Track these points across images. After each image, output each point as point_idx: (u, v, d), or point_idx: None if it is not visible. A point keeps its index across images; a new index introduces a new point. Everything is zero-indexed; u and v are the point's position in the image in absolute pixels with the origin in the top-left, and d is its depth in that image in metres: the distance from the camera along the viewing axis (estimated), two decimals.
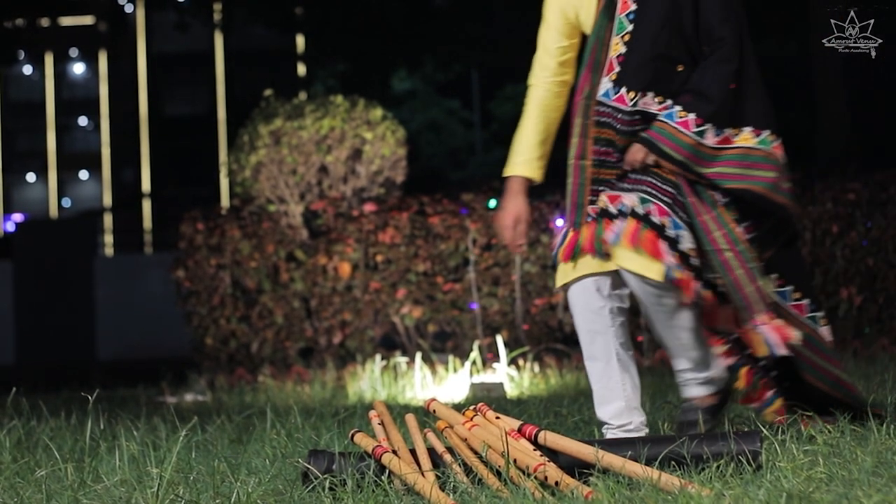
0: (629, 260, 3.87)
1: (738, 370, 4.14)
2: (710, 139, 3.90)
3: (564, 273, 4.07)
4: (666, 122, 3.90)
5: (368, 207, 9.10)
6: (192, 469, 3.79)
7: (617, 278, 4.00)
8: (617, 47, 3.98)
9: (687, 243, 3.85)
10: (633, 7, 3.98)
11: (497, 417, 3.63)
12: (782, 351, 3.96)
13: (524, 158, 4.19)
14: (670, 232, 3.83)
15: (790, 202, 4.03)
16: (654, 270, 3.83)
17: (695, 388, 4.12)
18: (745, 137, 3.94)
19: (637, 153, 3.93)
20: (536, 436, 3.50)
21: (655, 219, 3.84)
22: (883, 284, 9.01)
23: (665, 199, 3.88)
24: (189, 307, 9.35)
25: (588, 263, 4.00)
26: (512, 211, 4.16)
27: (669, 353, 4.11)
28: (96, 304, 17.69)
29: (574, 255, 4.02)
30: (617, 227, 3.88)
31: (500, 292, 9.04)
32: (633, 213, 3.87)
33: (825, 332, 4.10)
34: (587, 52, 4.07)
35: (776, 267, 4.03)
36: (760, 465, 3.39)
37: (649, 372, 8.23)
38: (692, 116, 3.88)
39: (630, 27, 3.98)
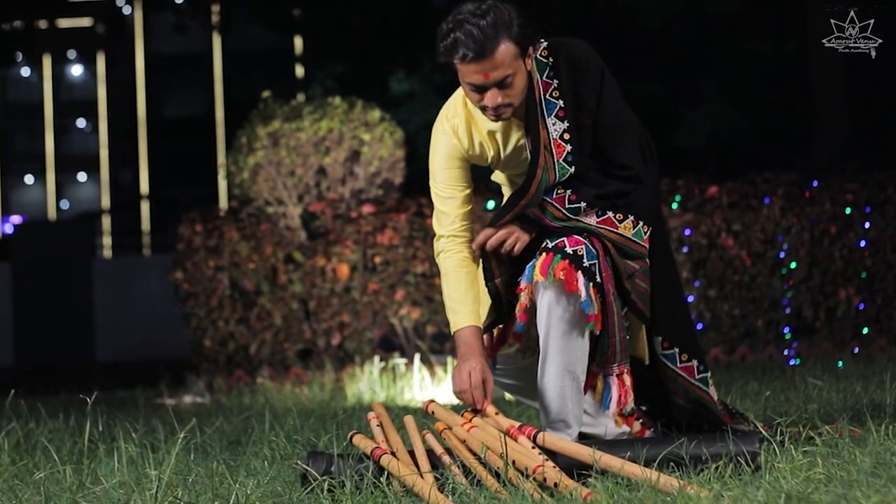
0: (545, 288, 3.78)
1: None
2: (590, 219, 3.83)
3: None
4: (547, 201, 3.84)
5: (367, 209, 9.10)
6: (191, 471, 3.79)
7: None
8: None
9: (600, 273, 3.78)
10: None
11: (497, 413, 3.63)
12: (612, 410, 3.88)
13: (466, 310, 3.92)
14: (586, 262, 3.75)
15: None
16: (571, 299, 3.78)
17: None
18: (626, 227, 3.85)
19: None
20: (535, 437, 3.50)
21: (569, 249, 3.76)
22: (881, 285, 9.01)
23: (576, 234, 3.83)
24: (187, 309, 9.34)
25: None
26: (477, 369, 3.78)
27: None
28: (95, 306, 17.69)
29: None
30: (529, 264, 3.83)
31: None
32: (545, 248, 3.80)
33: (713, 392, 4.00)
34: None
35: (661, 330, 3.94)
36: (759, 466, 3.39)
37: None
38: (568, 193, 3.84)
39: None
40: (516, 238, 3.86)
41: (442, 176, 4.02)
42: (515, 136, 3.92)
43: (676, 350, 3.94)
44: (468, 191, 4.03)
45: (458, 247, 3.97)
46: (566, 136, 3.84)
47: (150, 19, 42.35)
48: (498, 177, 4.14)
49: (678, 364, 3.94)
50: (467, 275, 3.95)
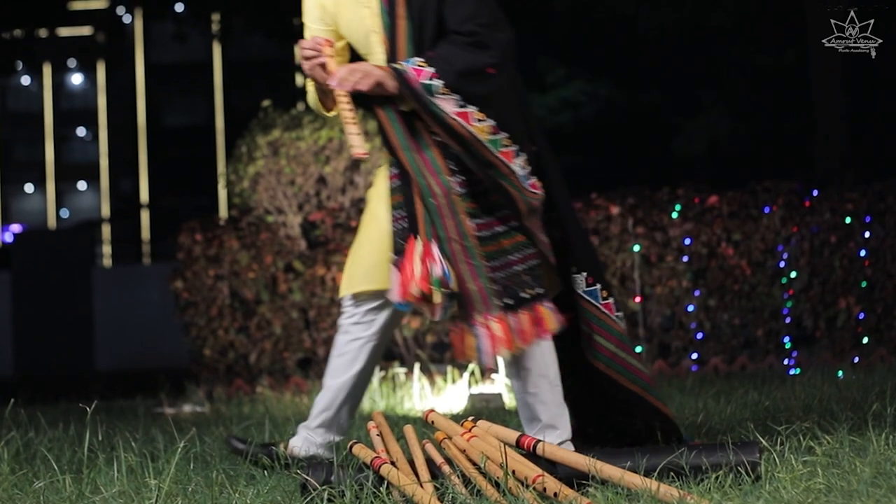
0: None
1: None
2: (448, 105, 3.82)
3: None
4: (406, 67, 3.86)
5: None
6: (191, 480, 3.79)
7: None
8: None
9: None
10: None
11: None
12: (488, 361, 3.87)
13: None
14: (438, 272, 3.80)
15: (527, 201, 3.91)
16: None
17: None
18: (482, 128, 3.82)
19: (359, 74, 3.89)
20: (535, 447, 3.50)
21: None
22: (881, 295, 9.01)
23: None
24: (187, 318, 9.34)
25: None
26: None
27: None
28: (94, 315, 17.67)
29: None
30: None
31: None
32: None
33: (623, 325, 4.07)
34: None
35: (584, 265, 3.99)
36: (759, 476, 3.39)
37: None
38: (430, 70, 3.83)
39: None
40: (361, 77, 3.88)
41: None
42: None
43: (599, 287, 4.00)
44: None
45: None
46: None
47: (150, 28, 42.35)
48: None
49: (600, 301, 4.00)
50: None
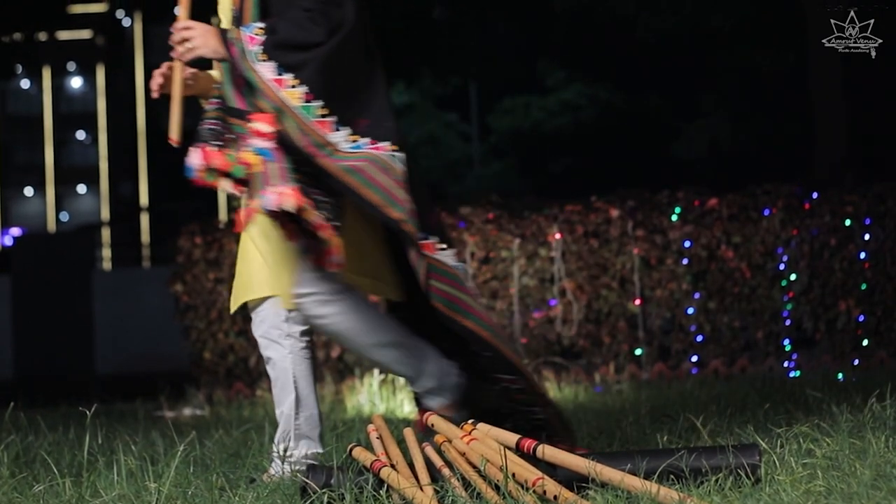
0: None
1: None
2: (266, 72, 3.82)
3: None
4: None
5: None
6: (191, 484, 3.79)
7: None
8: None
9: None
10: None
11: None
12: (270, 204, 3.72)
13: None
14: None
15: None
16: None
17: None
18: (293, 94, 3.80)
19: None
20: (535, 449, 3.49)
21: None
22: (881, 297, 9.01)
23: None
24: (187, 321, 9.34)
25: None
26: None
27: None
28: (94, 319, 17.67)
29: None
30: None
31: (499, 305, 9.03)
32: None
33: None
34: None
35: (435, 231, 3.95)
36: (759, 479, 3.39)
37: (648, 386, 8.23)
38: (261, 38, 3.85)
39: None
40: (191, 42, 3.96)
41: None
42: None
43: (452, 251, 3.99)
44: None
45: None
46: None
47: (149, 31, 42.39)
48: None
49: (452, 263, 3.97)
50: None
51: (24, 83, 44.22)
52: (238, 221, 4.02)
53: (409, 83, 26.62)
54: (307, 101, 3.81)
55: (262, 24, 3.87)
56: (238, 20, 4.00)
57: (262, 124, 3.79)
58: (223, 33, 3.90)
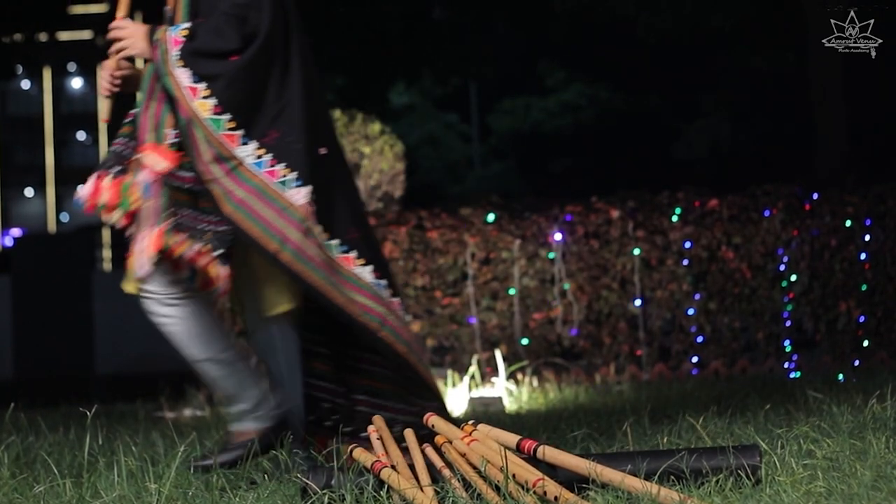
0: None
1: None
2: (184, 78, 3.85)
3: None
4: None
5: None
6: (191, 485, 3.78)
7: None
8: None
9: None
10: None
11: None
12: (140, 265, 3.90)
13: None
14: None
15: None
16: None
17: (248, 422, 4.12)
18: (203, 105, 3.84)
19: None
20: (535, 450, 3.49)
21: None
22: (882, 298, 9.01)
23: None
24: None
25: None
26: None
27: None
28: (94, 319, 17.66)
29: None
30: None
31: (499, 306, 9.03)
32: None
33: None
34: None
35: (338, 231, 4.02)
36: (760, 480, 3.39)
37: (648, 386, 8.23)
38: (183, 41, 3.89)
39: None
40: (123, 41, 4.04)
41: None
42: None
43: (357, 250, 4.06)
44: None
45: None
46: None
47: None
48: None
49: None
50: None
51: (25, 84, 44.21)
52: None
53: (409, 84, 26.61)
54: (216, 114, 3.85)
55: (187, 26, 3.89)
56: (171, 20, 4.03)
57: (150, 156, 3.84)
58: (152, 34, 3.93)
